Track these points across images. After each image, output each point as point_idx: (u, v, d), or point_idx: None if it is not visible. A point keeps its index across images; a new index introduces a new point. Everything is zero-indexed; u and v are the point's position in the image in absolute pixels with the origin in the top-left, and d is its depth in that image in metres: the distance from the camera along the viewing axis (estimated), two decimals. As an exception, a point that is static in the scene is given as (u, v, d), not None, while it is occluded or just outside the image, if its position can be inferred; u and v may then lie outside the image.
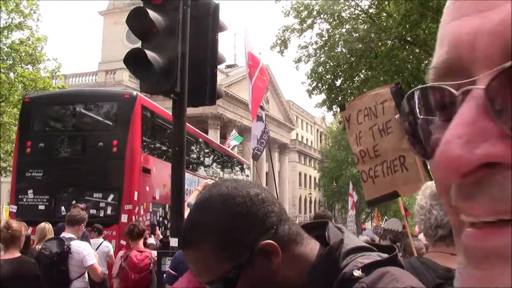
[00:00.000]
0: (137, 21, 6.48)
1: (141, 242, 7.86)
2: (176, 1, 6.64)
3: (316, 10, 25.07)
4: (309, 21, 25.57)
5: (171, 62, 6.40)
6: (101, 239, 10.29)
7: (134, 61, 6.33)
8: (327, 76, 26.05)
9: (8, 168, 25.96)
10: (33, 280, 5.71)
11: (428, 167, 4.87)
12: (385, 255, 1.43)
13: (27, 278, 5.63)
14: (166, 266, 6.60)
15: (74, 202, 12.12)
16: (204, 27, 7.06)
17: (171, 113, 13.83)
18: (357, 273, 1.34)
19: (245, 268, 1.38)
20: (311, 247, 1.48)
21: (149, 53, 6.15)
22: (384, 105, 5.69)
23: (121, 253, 7.84)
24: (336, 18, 24.86)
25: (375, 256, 1.42)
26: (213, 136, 38.97)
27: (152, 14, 6.32)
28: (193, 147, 17.56)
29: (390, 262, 1.39)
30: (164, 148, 14.51)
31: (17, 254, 5.71)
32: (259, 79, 11.45)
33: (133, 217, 11.70)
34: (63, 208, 11.71)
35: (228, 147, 26.94)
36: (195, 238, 1.42)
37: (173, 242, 6.76)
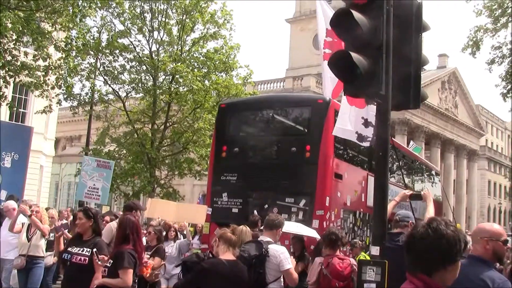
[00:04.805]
0: (340, 20, 6.34)
1: (339, 249, 7.68)
2: (380, 1, 6.37)
3: (511, 7, 23.69)
4: (503, 20, 24.33)
5: (376, 64, 6.13)
6: None
7: (338, 63, 6.17)
8: (524, 77, 24.50)
9: (202, 172, 27.19)
10: (244, 284, 5.88)
11: None
12: None
13: (240, 281, 5.75)
14: (367, 275, 6.36)
15: (266, 206, 12.34)
16: (407, 27, 6.71)
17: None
18: None
19: None
20: None
21: (354, 55, 5.95)
22: None
23: (319, 259, 7.71)
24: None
25: None
26: (400, 142, 37.93)
27: (356, 14, 6.12)
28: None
29: None
30: (354, 154, 14.28)
31: (232, 257, 5.89)
32: None
33: (324, 222, 11.60)
34: (255, 211, 11.91)
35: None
36: None
37: (374, 250, 6.47)
